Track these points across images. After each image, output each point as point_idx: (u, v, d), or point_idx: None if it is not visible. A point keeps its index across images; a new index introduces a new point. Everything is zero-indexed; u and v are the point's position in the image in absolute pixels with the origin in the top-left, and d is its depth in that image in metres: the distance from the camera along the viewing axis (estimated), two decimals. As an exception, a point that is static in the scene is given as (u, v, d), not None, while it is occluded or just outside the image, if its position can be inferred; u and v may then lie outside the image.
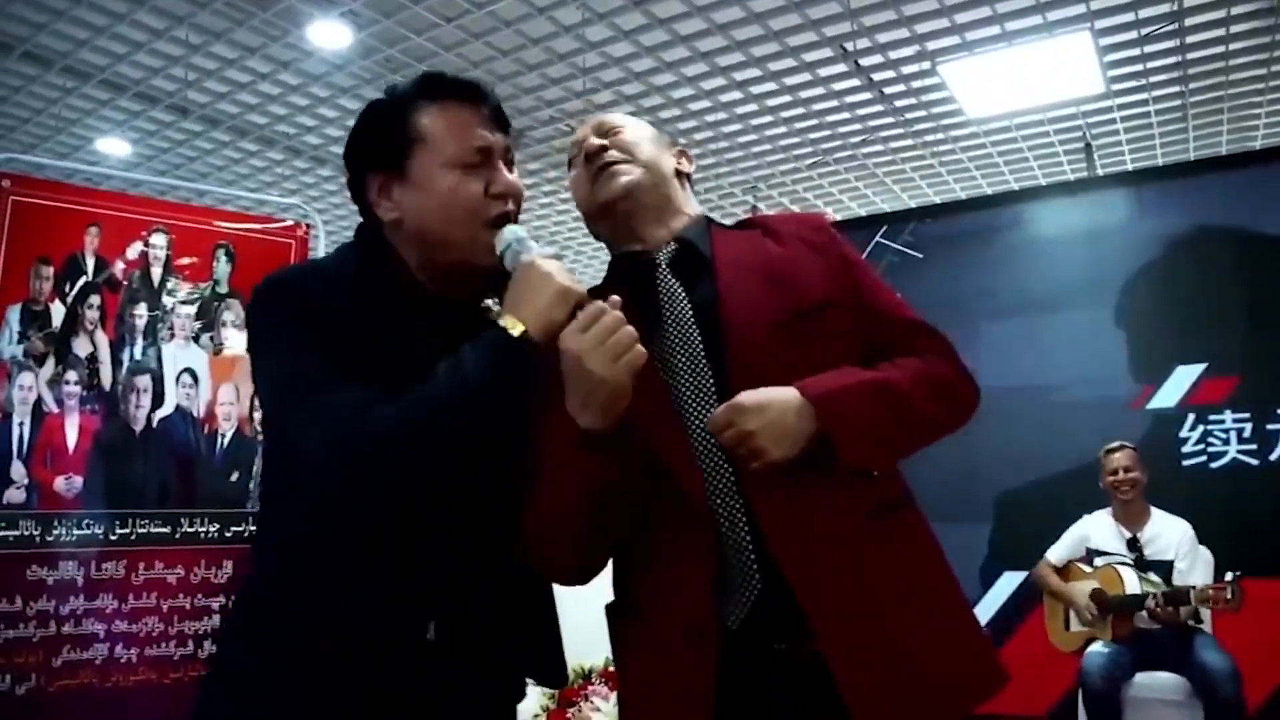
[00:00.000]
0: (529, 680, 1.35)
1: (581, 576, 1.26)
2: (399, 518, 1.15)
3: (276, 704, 1.16)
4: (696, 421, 1.21)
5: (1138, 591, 3.61)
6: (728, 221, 1.46)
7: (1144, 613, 3.54)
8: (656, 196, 1.36)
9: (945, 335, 1.35)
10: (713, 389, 1.22)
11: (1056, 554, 3.89)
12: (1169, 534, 3.68)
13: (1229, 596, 3.38)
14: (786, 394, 1.16)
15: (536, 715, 3.36)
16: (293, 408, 1.16)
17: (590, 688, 3.32)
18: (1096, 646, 3.68)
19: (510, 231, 1.24)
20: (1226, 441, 3.81)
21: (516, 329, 1.13)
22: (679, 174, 1.43)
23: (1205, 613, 3.54)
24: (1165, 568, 3.64)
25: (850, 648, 1.11)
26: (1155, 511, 3.74)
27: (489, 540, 1.23)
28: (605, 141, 1.37)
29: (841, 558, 1.15)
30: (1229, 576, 3.42)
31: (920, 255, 4.59)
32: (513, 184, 1.29)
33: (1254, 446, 3.78)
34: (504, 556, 1.24)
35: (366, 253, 1.30)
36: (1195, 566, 3.61)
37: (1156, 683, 3.58)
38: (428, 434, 1.10)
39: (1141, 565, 3.68)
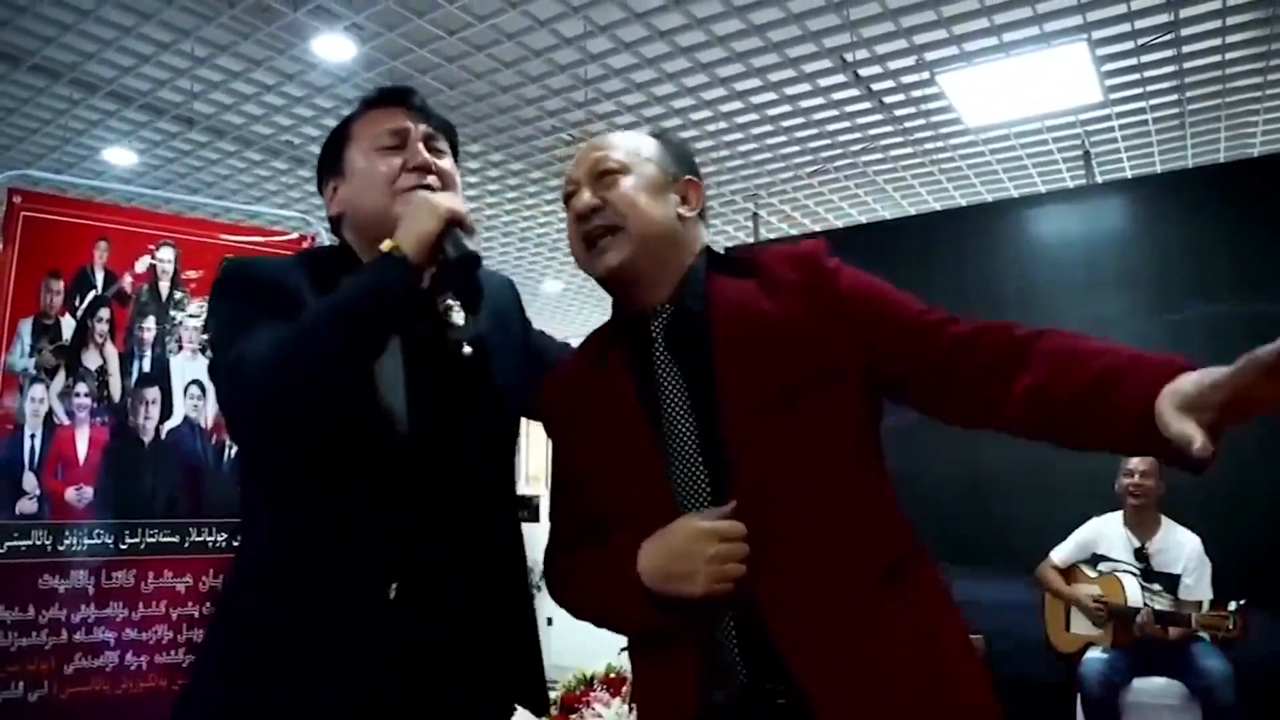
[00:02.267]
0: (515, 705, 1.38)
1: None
2: (311, 438, 1.19)
3: (253, 681, 1.20)
4: (688, 507, 1.20)
5: (1139, 603, 3.62)
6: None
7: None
8: (651, 264, 1.27)
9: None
10: (703, 476, 1.20)
11: (1060, 555, 3.90)
12: (1178, 546, 3.69)
13: (1230, 626, 3.38)
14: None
15: (539, 721, 3.39)
16: (215, 369, 1.29)
17: (592, 694, 3.35)
18: (1094, 652, 3.69)
19: None
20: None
21: (388, 246, 1.20)
22: (683, 218, 1.32)
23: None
24: (1171, 580, 3.65)
25: None
26: (1166, 522, 3.75)
27: (473, 556, 1.28)
28: (597, 201, 1.27)
29: (844, 642, 1.12)
30: (1232, 605, 3.42)
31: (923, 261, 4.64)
32: (428, 159, 1.34)
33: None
34: (487, 573, 1.29)
35: (328, 252, 1.42)
36: (1202, 582, 3.62)
37: (1154, 688, 3.61)
38: (305, 346, 1.15)
39: (1148, 576, 3.69)
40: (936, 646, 1.18)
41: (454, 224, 1.22)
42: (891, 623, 1.15)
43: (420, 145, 1.36)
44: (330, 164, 1.41)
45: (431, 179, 1.34)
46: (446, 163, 1.39)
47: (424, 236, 1.19)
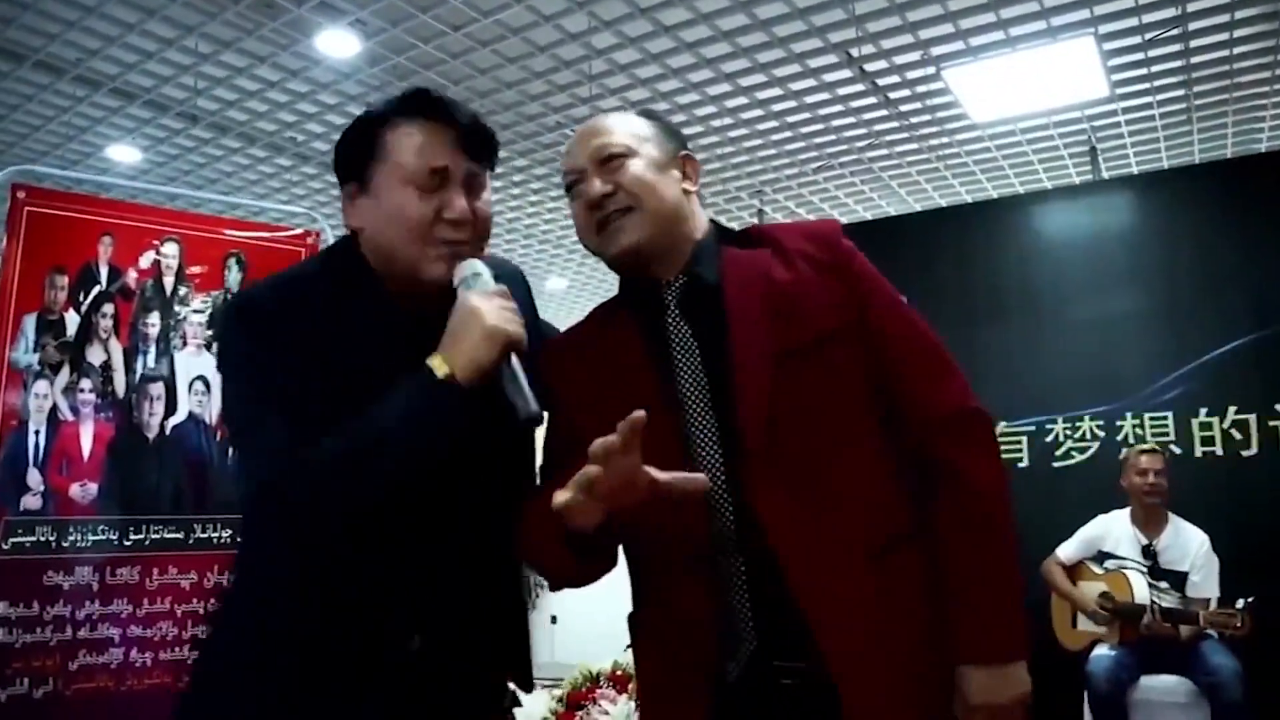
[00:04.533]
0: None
1: (581, 585, 1.29)
2: (351, 543, 1.17)
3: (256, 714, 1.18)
4: (702, 464, 1.21)
5: (1146, 600, 3.61)
6: (734, 225, 1.44)
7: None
8: (666, 240, 1.30)
9: (981, 420, 1.28)
10: (715, 433, 1.22)
11: (1066, 552, 3.88)
12: (1186, 544, 3.68)
13: (1239, 624, 3.36)
14: (1008, 684, 1.18)
15: (545, 718, 3.39)
16: (237, 440, 1.24)
17: (598, 691, 3.34)
18: (1102, 649, 3.67)
19: (467, 266, 1.22)
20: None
21: (441, 370, 1.13)
22: (685, 193, 1.34)
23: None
24: (1179, 578, 3.64)
25: (864, 681, 1.13)
26: (1174, 519, 3.73)
27: (476, 554, 1.26)
28: (609, 187, 1.28)
29: (851, 599, 1.16)
30: (1240, 603, 3.40)
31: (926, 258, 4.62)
32: (466, 210, 1.24)
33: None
34: (491, 570, 1.27)
35: (342, 262, 1.31)
36: (1210, 579, 3.60)
37: (1162, 685, 3.59)
38: (349, 477, 1.11)
39: (1155, 573, 3.68)
40: (936, 614, 1.21)
41: (511, 350, 1.15)
42: (905, 584, 1.19)
43: (460, 192, 1.25)
44: (354, 170, 1.28)
45: (466, 234, 1.25)
46: (484, 203, 1.29)
47: (481, 366, 1.13)
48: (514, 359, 1.15)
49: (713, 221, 1.39)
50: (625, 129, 1.33)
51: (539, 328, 1.51)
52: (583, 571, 1.22)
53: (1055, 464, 4.18)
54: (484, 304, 1.16)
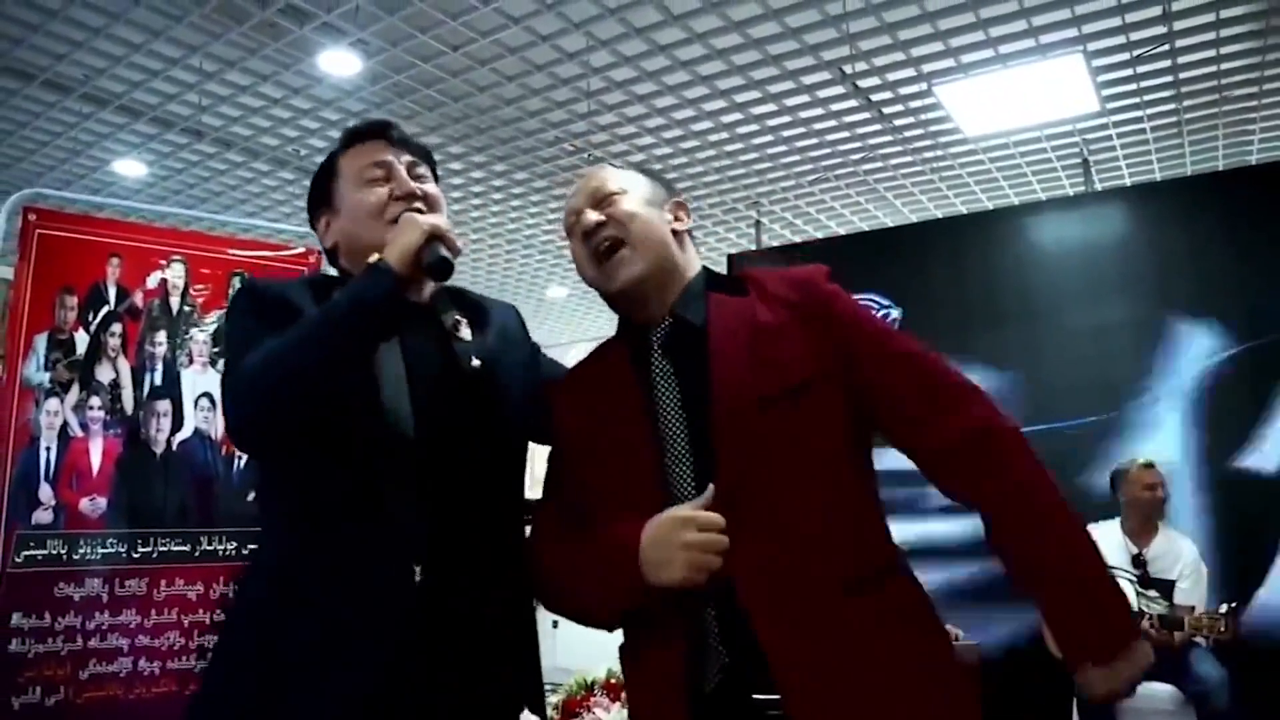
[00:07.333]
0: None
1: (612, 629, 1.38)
2: (307, 439, 1.28)
3: (273, 670, 1.26)
4: (678, 504, 1.26)
5: (1134, 609, 3.66)
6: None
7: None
8: (661, 275, 1.38)
9: (974, 389, 1.32)
10: (691, 473, 1.28)
11: (1058, 557, 3.94)
12: (1174, 553, 3.73)
13: (1223, 628, 3.41)
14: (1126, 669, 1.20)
15: (541, 726, 3.43)
16: (222, 379, 1.36)
17: (593, 699, 3.39)
18: (1090, 657, 3.72)
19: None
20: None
21: (374, 258, 1.30)
22: (676, 234, 1.43)
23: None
24: (1167, 586, 3.69)
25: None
26: (1164, 528, 3.78)
27: (480, 507, 1.35)
28: (602, 217, 1.38)
29: (820, 642, 1.18)
30: (1223, 608, 3.45)
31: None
32: (411, 186, 1.44)
33: None
34: (495, 524, 1.37)
35: (324, 280, 1.49)
36: (1198, 586, 3.66)
37: (1150, 693, 3.64)
38: (293, 353, 1.24)
39: (1144, 582, 3.73)
40: (914, 656, 1.24)
41: (435, 238, 1.31)
42: (868, 627, 1.21)
43: (404, 174, 1.45)
44: (320, 198, 1.50)
45: (418, 204, 1.43)
46: (430, 187, 1.48)
47: (406, 248, 1.29)
48: (438, 244, 1.31)
49: (704, 267, 1.46)
50: (618, 175, 1.45)
51: (538, 358, 1.59)
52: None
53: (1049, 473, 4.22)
54: (414, 214, 1.36)
